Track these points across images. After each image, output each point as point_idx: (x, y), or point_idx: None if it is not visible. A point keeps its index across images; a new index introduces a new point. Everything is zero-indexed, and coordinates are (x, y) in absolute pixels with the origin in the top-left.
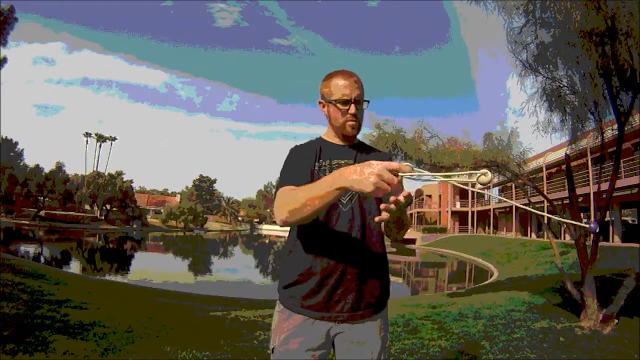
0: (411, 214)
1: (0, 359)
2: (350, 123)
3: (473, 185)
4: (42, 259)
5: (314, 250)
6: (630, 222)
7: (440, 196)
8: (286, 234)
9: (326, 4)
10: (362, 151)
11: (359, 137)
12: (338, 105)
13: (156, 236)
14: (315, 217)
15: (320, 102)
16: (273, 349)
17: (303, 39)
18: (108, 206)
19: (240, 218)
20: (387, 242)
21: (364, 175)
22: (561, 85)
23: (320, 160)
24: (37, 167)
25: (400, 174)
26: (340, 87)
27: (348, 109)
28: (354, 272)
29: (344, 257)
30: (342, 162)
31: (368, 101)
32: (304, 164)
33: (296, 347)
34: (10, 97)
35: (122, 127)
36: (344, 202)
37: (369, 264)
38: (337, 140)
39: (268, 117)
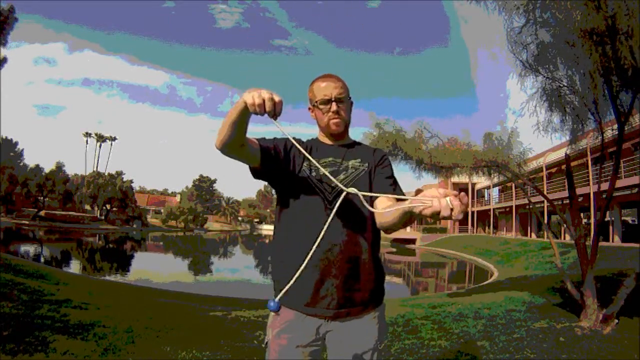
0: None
1: (0, 359)
2: (334, 121)
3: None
4: (42, 259)
5: (298, 245)
6: (630, 222)
7: None
8: None
9: (327, 5)
10: (352, 148)
11: (358, 136)
12: (320, 106)
13: (156, 236)
14: (235, 135)
15: (309, 109)
16: (267, 343)
17: (304, 39)
18: (108, 206)
19: (240, 218)
20: (388, 242)
21: (256, 93)
22: (561, 85)
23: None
24: (37, 167)
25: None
26: (320, 89)
27: (330, 108)
28: (341, 268)
29: (329, 252)
30: (328, 159)
31: (351, 101)
32: (282, 143)
33: (286, 343)
34: (10, 97)
35: (122, 127)
36: (330, 199)
37: (357, 260)
38: (327, 140)
39: (268, 118)
